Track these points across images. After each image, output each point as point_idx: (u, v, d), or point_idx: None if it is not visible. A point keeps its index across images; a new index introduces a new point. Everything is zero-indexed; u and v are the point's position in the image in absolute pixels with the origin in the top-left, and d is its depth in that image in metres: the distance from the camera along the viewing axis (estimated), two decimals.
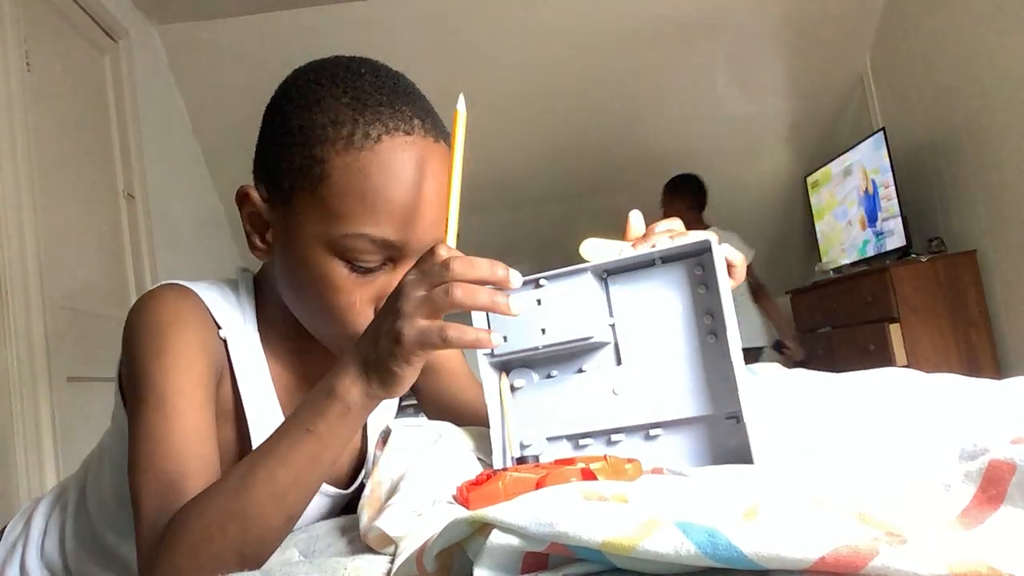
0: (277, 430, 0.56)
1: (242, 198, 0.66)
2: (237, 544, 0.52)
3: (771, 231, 4.23)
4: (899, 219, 3.15)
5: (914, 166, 3.35)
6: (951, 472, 0.42)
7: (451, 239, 0.57)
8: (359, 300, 0.62)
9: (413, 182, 0.59)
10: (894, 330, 2.95)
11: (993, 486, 0.38)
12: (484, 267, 0.52)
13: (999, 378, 0.68)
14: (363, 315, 0.62)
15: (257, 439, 0.68)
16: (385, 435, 0.69)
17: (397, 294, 0.53)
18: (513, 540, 0.35)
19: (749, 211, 4.11)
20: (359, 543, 0.55)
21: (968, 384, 0.66)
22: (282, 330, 0.70)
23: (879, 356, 2.95)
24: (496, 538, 0.35)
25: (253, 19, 3.02)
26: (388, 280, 0.62)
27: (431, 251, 0.53)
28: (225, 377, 0.68)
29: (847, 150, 3.49)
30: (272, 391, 0.70)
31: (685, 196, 3.29)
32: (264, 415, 0.69)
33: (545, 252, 4.28)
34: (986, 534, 0.35)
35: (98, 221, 2.53)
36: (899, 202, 3.14)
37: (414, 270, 0.53)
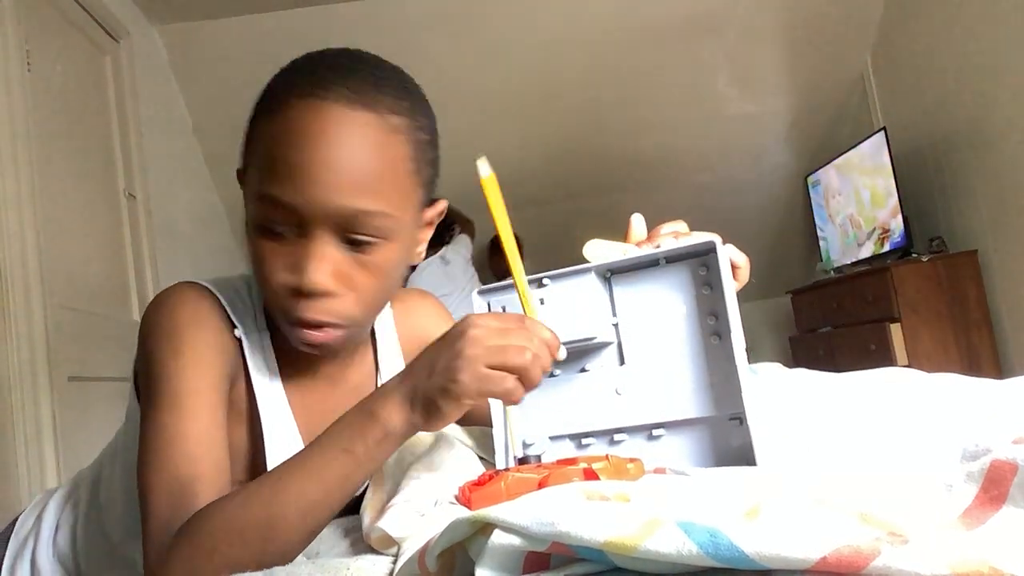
0: (311, 445, 0.56)
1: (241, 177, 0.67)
2: (257, 553, 0.52)
3: (771, 231, 4.23)
4: (900, 219, 3.15)
5: (915, 166, 3.35)
6: (953, 472, 0.42)
7: (531, 311, 0.58)
8: (273, 269, 0.60)
9: (315, 145, 0.58)
10: (895, 330, 2.94)
11: (995, 486, 0.38)
12: (554, 343, 0.55)
13: (1000, 378, 0.68)
14: (276, 284, 0.60)
15: (270, 440, 0.68)
16: None
17: (464, 334, 0.53)
18: (515, 540, 0.35)
19: (749, 211, 4.11)
20: (362, 544, 0.55)
21: (969, 384, 0.66)
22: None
23: (880, 356, 2.95)
24: (498, 538, 0.35)
25: (254, 18, 3.02)
26: (297, 249, 0.60)
27: (513, 314, 0.56)
28: (239, 377, 0.68)
29: (848, 150, 3.49)
30: (283, 392, 0.70)
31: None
32: (276, 416, 0.69)
33: (546, 251, 4.28)
34: (988, 534, 0.35)
35: (99, 220, 2.53)
36: (900, 202, 3.14)
37: (492, 319, 0.54)
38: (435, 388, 0.52)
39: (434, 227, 0.71)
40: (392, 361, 0.79)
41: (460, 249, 3.36)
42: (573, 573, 0.35)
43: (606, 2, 3.23)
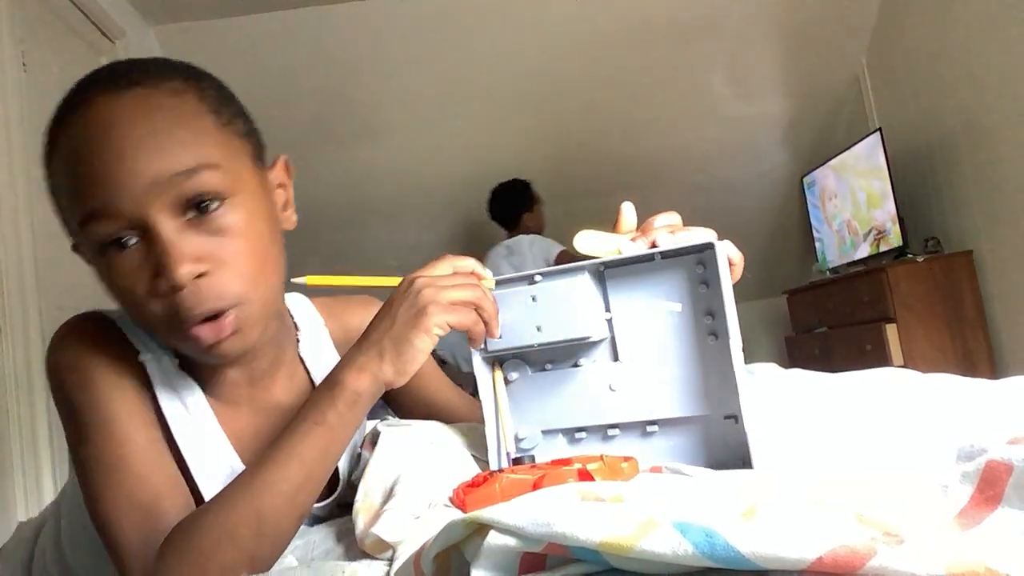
0: (284, 431, 0.56)
1: (79, 253, 0.64)
2: (250, 550, 0.52)
3: (768, 231, 4.24)
4: (896, 219, 3.16)
5: (910, 166, 3.36)
6: (948, 472, 0.42)
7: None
8: (135, 282, 0.56)
9: (104, 137, 0.55)
10: (891, 330, 2.95)
11: (990, 487, 0.38)
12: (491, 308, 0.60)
13: (995, 378, 0.68)
14: (145, 296, 0.56)
15: (191, 458, 0.63)
16: (373, 436, 0.68)
17: (415, 281, 0.57)
18: (511, 541, 0.35)
19: (746, 211, 4.11)
20: (356, 548, 0.55)
21: (964, 384, 0.66)
22: None
23: (876, 356, 2.95)
24: (493, 539, 0.35)
25: (250, 19, 3.02)
26: (148, 251, 0.56)
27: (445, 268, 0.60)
28: (147, 401, 0.64)
29: (844, 150, 3.50)
30: (204, 401, 0.66)
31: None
32: (196, 436, 0.64)
33: None
34: (983, 535, 0.35)
35: None
36: (896, 202, 3.15)
37: (429, 275, 0.58)
38: (403, 328, 0.55)
39: (290, 188, 0.67)
40: None
41: (533, 246, 3.31)
42: (569, 574, 0.35)
43: (604, 4, 3.23)
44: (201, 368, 0.66)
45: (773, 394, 0.68)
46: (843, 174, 3.54)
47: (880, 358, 2.92)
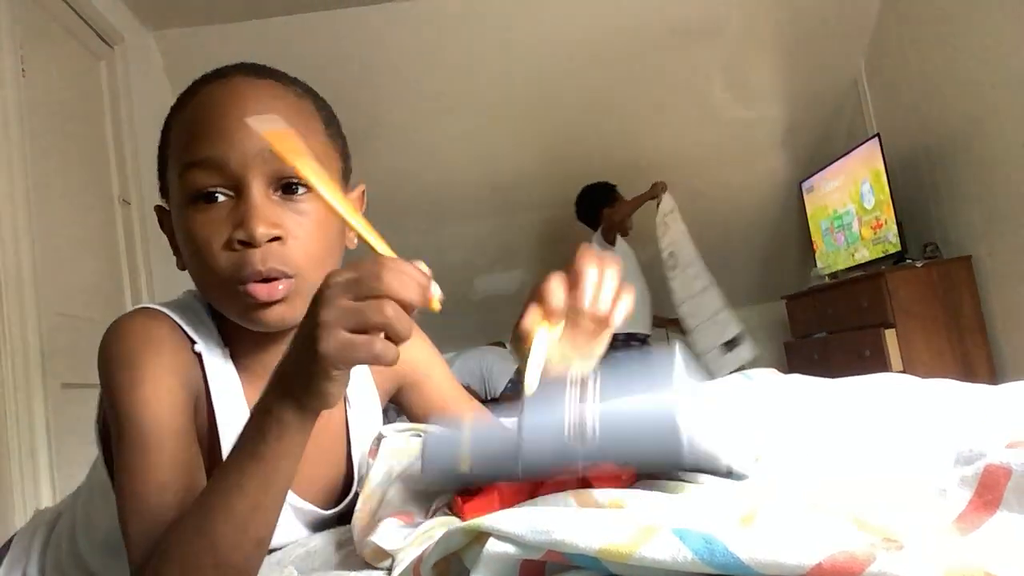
0: (227, 458, 0.54)
1: (159, 217, 0.70)
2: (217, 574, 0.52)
3: (766, 236, 4.24)
4: (894, 224, 3.16)
5: (909, 171, 3.36)
6: (947, 477, 0.42)
7: (380, 247, 0.51)
8: (212, 234, 0.61)
9: (232, 104, 0.62)
10: (889, 335, 2.95)
11: (989, 491, 0.38)
12: (416, 287, 0.48)
13: (994, 383, 0.68)
14: (218, 248, 0.61)
15: (228, 449, 0.65)
16: (378, 441, 0.68)
17: (318, 299, 0.49)
18: (510, 548, 0.35)
19: (744, 216, 4.11)
20: (355, 557, 0.55)
21: (963, 389, 0.66)
22: (241, 336, 0.68)
23: (874, 361, 2.95)
24: (493, 547, 0.35)
25: (249, 25, 3.02)
26: (234, 208, 0.62)
27: (365, 261, 0.49)
28: (201, 394, 0.67)
29: (842, 155, 3.50)
30: (245, 407, 0.68)
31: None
32: (237, 422, 0.66)
33: (541, 258, 4.29)
34: (982, 540, 0.35)
35: (93, 227, 2.52)
36: (894, 207, 3.15)
37: (342, 274, 0.49)
38: (302, 368, 0.49)
39: (361, 211, 0.71)
40: (364, 391, 0.78)
41: (617, 251, 3.31)
42: None
43: (602, 8, 3.24)
44: (244, 363, 0.69)
45: (772, 399, 0.68)
46: (841, 179, 3.54)
47: (879, 363, 2.92)
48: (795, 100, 3.79)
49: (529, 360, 0.56)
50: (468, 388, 3.58)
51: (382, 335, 0.48)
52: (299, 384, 0.50)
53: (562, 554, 0.34)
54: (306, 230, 0.63)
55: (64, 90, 2.43)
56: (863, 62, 3.66)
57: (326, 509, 0.72)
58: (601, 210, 3.38)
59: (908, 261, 3.11)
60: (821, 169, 3.69)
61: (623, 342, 3.25)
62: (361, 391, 0.79)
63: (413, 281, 0.48)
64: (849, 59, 3.65)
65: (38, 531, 0.84)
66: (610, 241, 3.35)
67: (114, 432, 0.62)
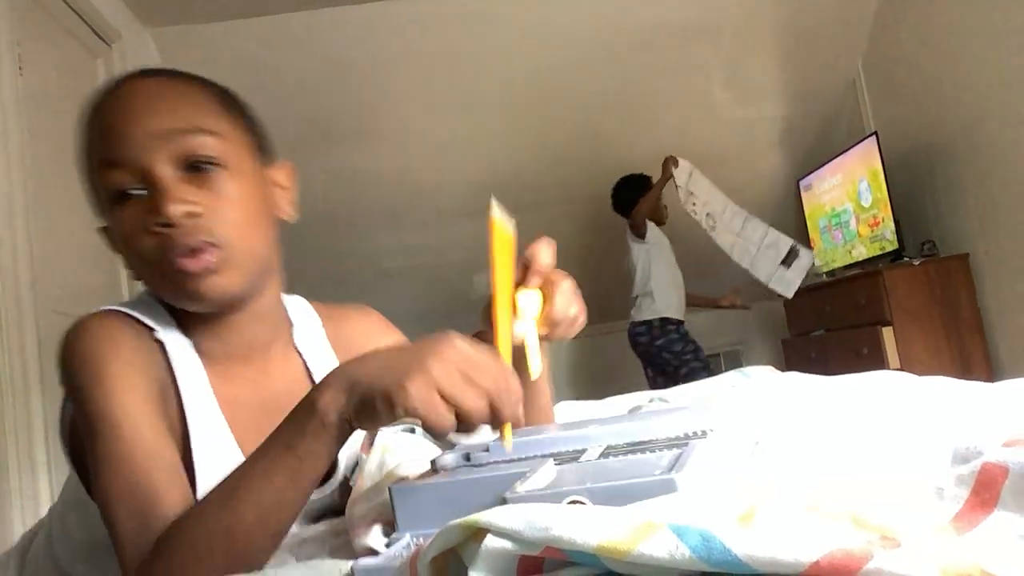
0: (261, 446, 0.54)
1: (106, 239, 0.70)
2: (226, 563, 0.52)
3: None
4: (892, 222, 3.17)
5: (907, 169, 3.37)
6: (944, 476, 0.42)
7: (505, 350, 0.55)
8: (136, 226, 0.63)
9: (127, 98, 0.65)
10: (887, 333, 2.95)
11: (986, 490, 0.38)
12: (514, 408, 0.50)
13: (991, 381, 0.68)
14: (143, 236, 0.63)
15: (197, 440, 0.66)
16: (371, 438, 0.68)
17: (434, 348, 0.49)
18: (508, 544, 0.35)
19: None
20: (349, 548, 0.55)
21: (960, 387, 0.67)
22: (196, 323, 0.70)
23: (872, 359, 2.96)
24: (491, 543, 0.35)
25: (247, 23, 3.02)
26: (150, 203, 0.63)
27: (493, 354, 0.51)
28: (167, 382, 0.67)
29: (840, 154, 3.50)
30: (208, 388, 0.69)
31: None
32: (204, 414, 0.68)
33: None
34: (979, 539, 0.36)
35: (91, 224, 2.51)
36: (892, 206, 3.16)
37: (468, 348, 0.50)
38: (379, 386, 0.49)
39: (292, 191, 0.73)
40: (328, 367, 0.79)
41: (649, 241, 3.31)
42: None
43: (601, 7, 3.24)
44: (204, 349, 0.70)
45: (769, 397, 0.68)
46: (839, 177, 3.55)
47: (876, 361, 2.93)
48: (793, 98, 3.79)
49: (527, 343, 0.61)
50: None
51: (454, 414, 0.48)
52: (361, 396, 0.50)
53: (560, 550, 0.34)
54: (222, 202, 0.64)
55: (61, 87, 2.42)
56: (861, 61, 3.66)
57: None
58: (638, 199, 3.34)
59: (905, 259, 3.11)
60: (819, 167, 3.69)
61: (659, 327, 3.28)
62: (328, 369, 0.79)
63: (516, 402, 0.50)
64: (847, 58, 3.65)
65: (11, 558, 0.84)
66: (640, 235, 3.34)
67: (87, 434, 0.62)
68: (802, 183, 3.87)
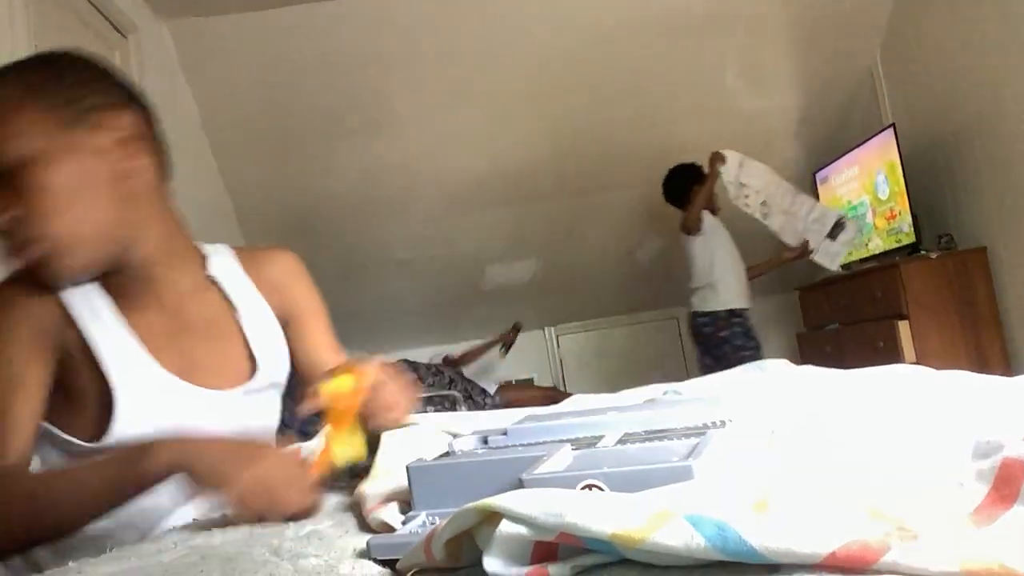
0: (99, 461, 0.68)
1: None
2: (27, 526, 0.68)
3: None
4: (909, 215, 3.13)
5: (924, 162, 3.33)
6: (964, 470, 0.42)
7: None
8: None
9: None
10: (903, 327, 2.93)
11: (1006, 485, 0.38)
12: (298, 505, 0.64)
13: (1009, 375, 0.67)
14: None
15: (118, 372, 0.75)
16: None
17: (263, 463, 0.64)
18: (522, 530, 0.35)
19: None
20: (337, 543, 0.55)
21: (978, 381, 0.66)
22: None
23: (888, 353, 2.93)
24: (506, 527, 0.35)
25: (262, 14, 3.02)
26: None
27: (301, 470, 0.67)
28: (67, 328, 0.75)
29: (857, 145, 3.47)
30: (116, 313, 0.77)
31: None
32: (120, 350, 0.76)
33: (552, 247, 4.28)
34: (999, 533, 0.35)
35: None
36: (909, 198, 3.12)
37: (288, 465, 0.66)
38: (217, 469, 0.63)
39: (128, 148, 0.75)
40: (251, 301, 0.88)
41: (706, 231, 3.25)
42: (581, 564, 0.35)
43: None
44: (111, 288, 0.78)
45: (786, 389, 0.68)
46: (856, 169, 3.51)
47: (892, 355, 2.90)
48: (810, 90, 3.75)
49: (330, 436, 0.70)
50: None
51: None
52: (204, 470, 0.64)
53: (575, 536, 0.34)
54: (35, 199, 0.70)
55: None
56: (879, 51, 3.62)
57: (232, 389, 0.83)
58: (692, 187, 3.28)
59: (923, 252, 3.08)
60: (836, 159, 3.66)
61: (725, 320, 3.21)
62: (246, 297, 0.88)
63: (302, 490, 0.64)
64: (865, 48, 3.61)
65: None
66: (693, 230, 3.28)
67: None
68: (818, 175, 3.83)
